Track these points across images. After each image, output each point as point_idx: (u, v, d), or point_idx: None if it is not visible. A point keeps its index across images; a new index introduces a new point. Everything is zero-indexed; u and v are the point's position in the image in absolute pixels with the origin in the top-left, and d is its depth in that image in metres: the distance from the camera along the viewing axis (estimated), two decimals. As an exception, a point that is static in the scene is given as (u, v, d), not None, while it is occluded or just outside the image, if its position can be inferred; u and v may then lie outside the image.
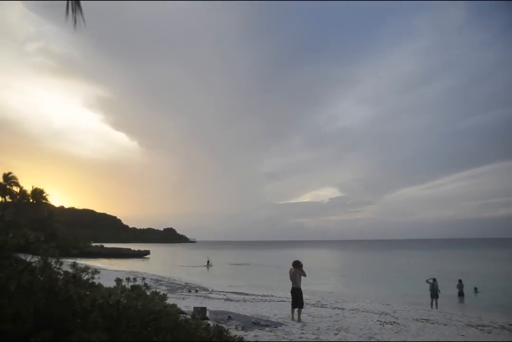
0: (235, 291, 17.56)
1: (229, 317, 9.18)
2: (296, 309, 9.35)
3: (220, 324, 5.48)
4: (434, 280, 15.12)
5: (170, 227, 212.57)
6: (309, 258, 52.04)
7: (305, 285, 10.13)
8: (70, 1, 2.68)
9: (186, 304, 11.62)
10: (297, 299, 9.30)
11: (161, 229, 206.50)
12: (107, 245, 58.96)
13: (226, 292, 17.14)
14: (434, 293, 14.76)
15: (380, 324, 9.22)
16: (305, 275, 9.56)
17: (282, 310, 11.39)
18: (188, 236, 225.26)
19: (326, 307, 12.45)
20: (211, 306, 11.06)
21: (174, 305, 2.69)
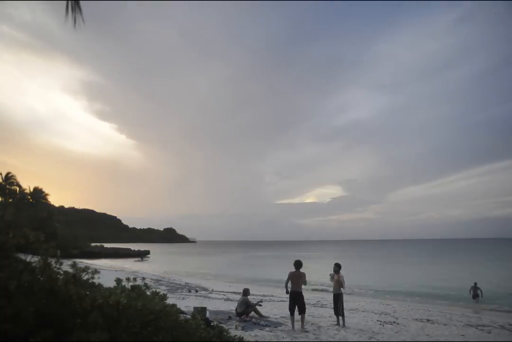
0: (235, 291, 17.54)
1: (229, 317, 9.19)
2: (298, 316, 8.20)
3: (220, 324, 5.48)
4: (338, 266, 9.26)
5: (170, 227, 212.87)
6: (309, 259, 52.05)
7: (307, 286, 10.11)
8: (69, 1, 2.67)
9: (186, 304, 11.62)
10: (298, 304, 8.16)
11: (161, 229, 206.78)
12: (107, 245, 58.95)
13: (226, 292, 17.14)
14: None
15: (380, 324, 9.22)
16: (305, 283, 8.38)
17: (282, 310, 11.39)
18: (188, 236, 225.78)
19: (326, 307, 12.45)
20: (211, 306, 11.06)
21: (174, 305, 2.69)
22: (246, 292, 9.83)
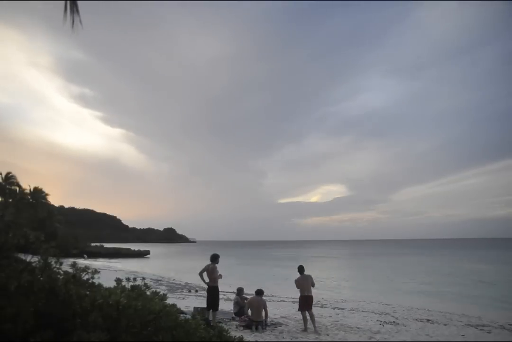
0: (235, 291, 17.55)
1: (233, 318, 9.19)
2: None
3: (220, 324, 5.49)
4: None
5: (170, 227, 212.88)
6: (311, 258, 52.06)
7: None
8: (68, 1, 2.67)
9: (186, 304, 11.63)
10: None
11: (161, 229, 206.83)
12: (107, 245, 58.96)
13: (226, 292, 17.13)
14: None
15: (380, 324, 9.22)
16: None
17: (282, 310, 11.40)
18: (188, 236, 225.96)
19: (326, 307, 12.45)
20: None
21: (174, 305, 2.69)
22: (240, 292, 9.78)
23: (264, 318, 8.27)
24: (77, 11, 2.65)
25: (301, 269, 8.59)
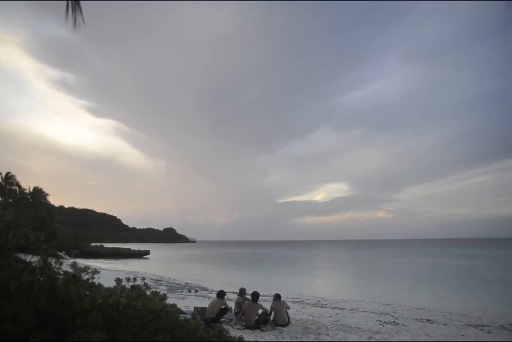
0: (235, 291, 17.54)
1: (237, 318, 9.18)
2: None
3: (220, 324, 5.48)
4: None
5: (170, 227, 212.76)
6: (311, 258, 52.06)
7: (305, 284, 10.05)
8: (70, 1, 2.67)
9: (186, 304, 11.62)
10: None
11: (161, 229, 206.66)
12: (107, 245, 58.94)
13: (226, 292, 17.13)
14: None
15: (380, 324, 9.22)
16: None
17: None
18: (188, 236, 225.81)
19: (326, 307, 12.44)
20: (211, 306, 11.03)
21: (174, 305, 2.70)
22: (242, 292, 9.76)
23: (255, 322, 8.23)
24: (80, 10, 2.65)
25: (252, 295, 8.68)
